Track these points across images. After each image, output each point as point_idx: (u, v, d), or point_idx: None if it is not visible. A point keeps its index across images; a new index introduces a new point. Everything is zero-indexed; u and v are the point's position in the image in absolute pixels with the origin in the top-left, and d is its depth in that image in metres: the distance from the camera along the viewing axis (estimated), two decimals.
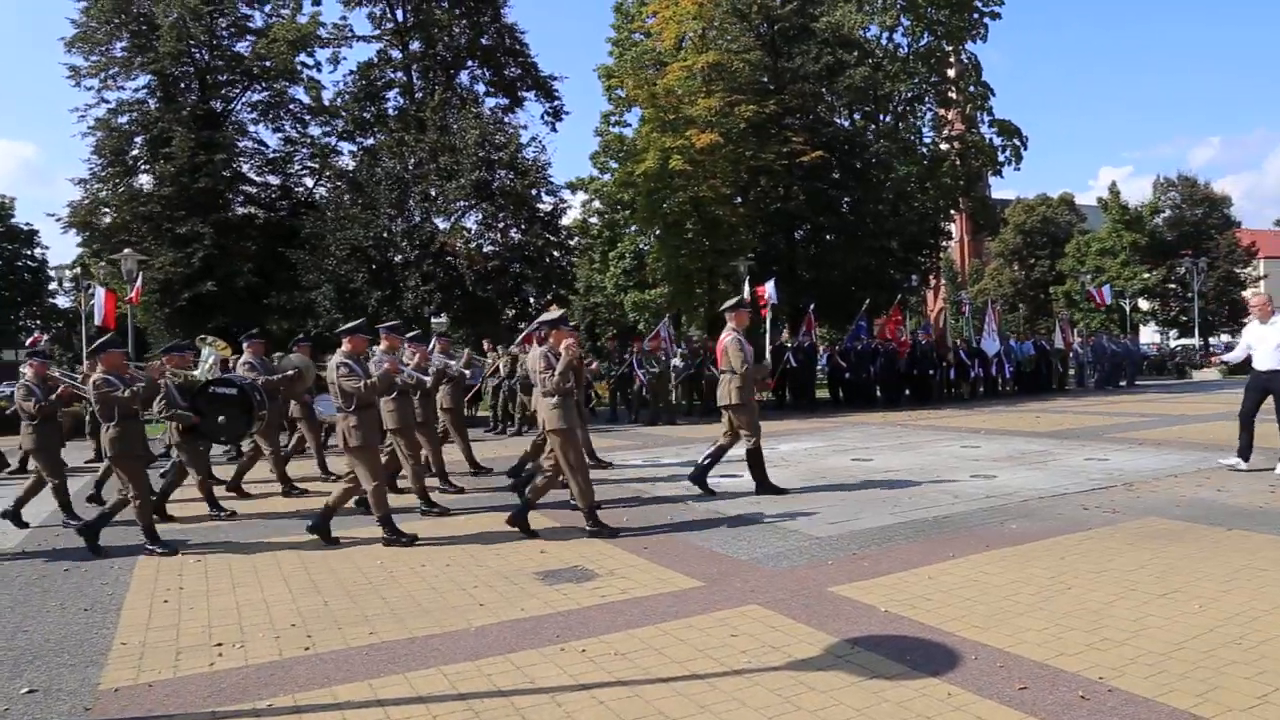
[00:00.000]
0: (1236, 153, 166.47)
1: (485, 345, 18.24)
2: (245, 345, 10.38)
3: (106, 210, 23.50)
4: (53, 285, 36.25)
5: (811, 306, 21.98)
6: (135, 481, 7.36)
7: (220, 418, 8.96)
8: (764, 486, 8.81)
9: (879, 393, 21.81)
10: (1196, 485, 8.48)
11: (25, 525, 8.77)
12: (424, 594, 5.73)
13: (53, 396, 8.81)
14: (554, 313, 8.03)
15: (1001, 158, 34.95)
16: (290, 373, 10.61)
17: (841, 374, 21.73)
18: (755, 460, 8.84)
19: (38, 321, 38.82)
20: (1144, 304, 45.94)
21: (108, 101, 23.66)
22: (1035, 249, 54.92)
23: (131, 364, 9.14)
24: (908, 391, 21.84)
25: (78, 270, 27.57)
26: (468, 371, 11.29)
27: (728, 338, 8.91)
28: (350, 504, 8.14)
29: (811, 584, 5.53)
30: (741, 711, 3.67)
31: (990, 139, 34.81)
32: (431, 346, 11.02)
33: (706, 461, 8.99)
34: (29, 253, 38.28)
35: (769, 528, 7.25)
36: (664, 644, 4.55)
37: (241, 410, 9.08)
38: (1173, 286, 44.38)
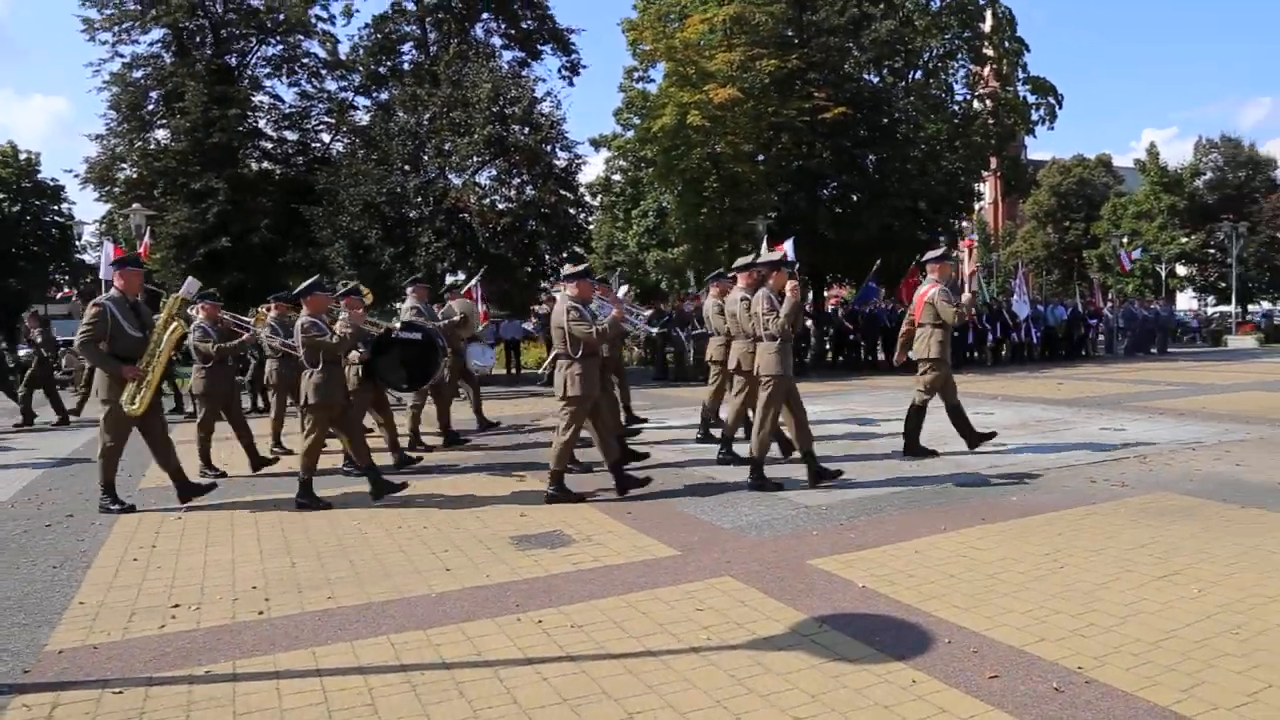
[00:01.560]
0: None
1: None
2: (410, 291, 10.19)
3: (123, 166, 23.44)
4: (80, 241, 36.62)
5: (795, 267, 21.42)
6: (320, 432, 7.20)
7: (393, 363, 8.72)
8: (913, 449, 8.49)
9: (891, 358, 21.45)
10: (1215, 459, 8.12)
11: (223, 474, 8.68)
12: (392, 557, 5.57)
13: (233, 342, 8.91)
14: (776, 253, 7.75)
15: (1035, 116, 33.98)
16: (456, 319, 10.34)
17: (846, 336, 21.27)
18: (916, 420, 8.52)
19: (66, 276, 39.10)
20: (1181, 269, 44.82)
21: (122, 56, 23.49)
22: (1070, 212, 53.64)
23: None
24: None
25: (99, 225, 27.75)
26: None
27: (934, 289, 8.43)
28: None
29: (792, 556, 5.29)
30: (689, 694, 3.45)
31: (1024, 97, 33.85)
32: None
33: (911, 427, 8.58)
34: (56, 208, 38.42)
35: (759, 495, 7.00)
36: (625, 617, 4.34)
37: (422, 357, 8.81)
38: (1212, 251, 43.20)
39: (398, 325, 9.03)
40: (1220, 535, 5.49)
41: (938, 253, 8.94)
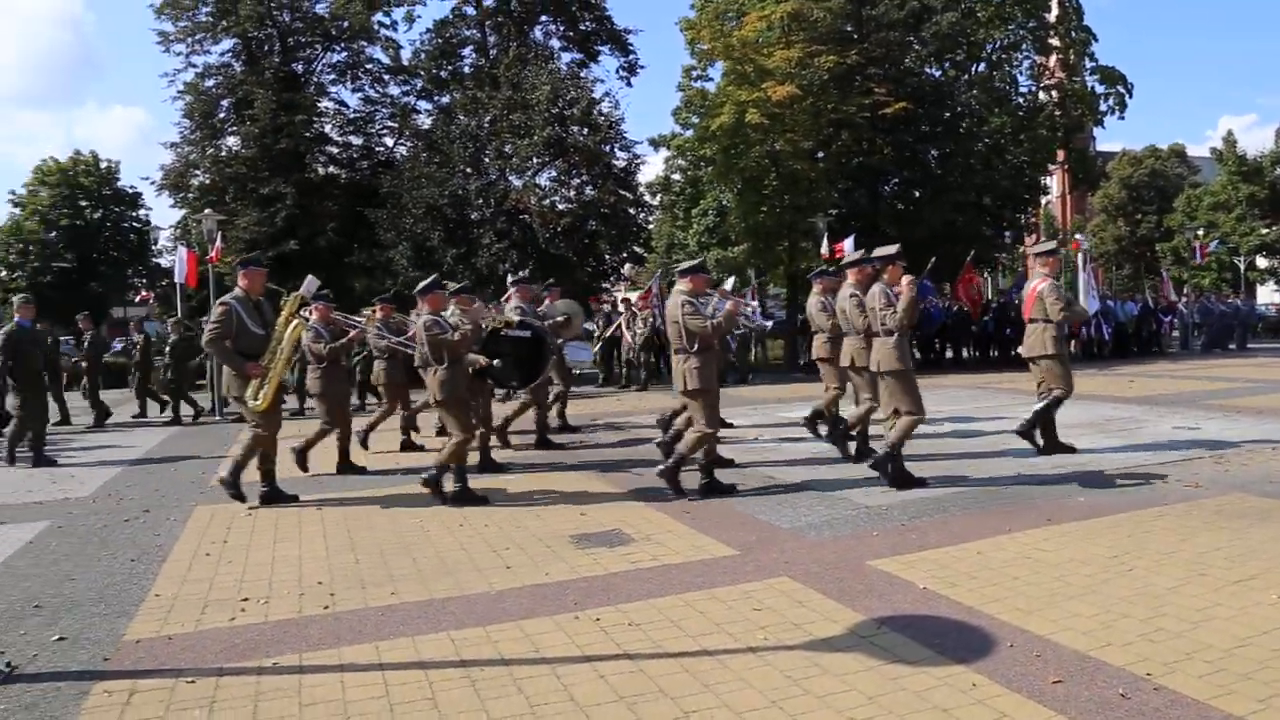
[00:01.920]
0: None
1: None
2: (514, 291, 10.17)
3: (196, 172, 24.18)
4: (156, 246, 37.80)
5: (752, 276, 21.12)
6: (463, 424, 7.28)
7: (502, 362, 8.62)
8: (1053, 445, 8.36)
9: (947, 354, 21.03)
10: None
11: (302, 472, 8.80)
12: (454, 555, 5.65)
13: (342, 340, 9.08)
14: (890, 248, 7.81)
15: (1103, 107, 33.11)
16: (560, 319, 10.41)
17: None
18: (1048, 415, 8.41)
19: (143, 280, 40.36)
20: (1261, 262, 43.17)
21: (195, 66, 24.26)
22: (1141, 204, 52.05)
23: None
24: (986, 353, 20.95)
25: (174, 230, 28.64)
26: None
27: (1044, 284, 8.29)
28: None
29: (851, 556, 5.25)
30: (744, 693, 3.45)
31: (1092, 87, 32.98)
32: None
33: (1032, 419, 8.39)
34: (133, 214, 39.72)
35: (820, 495, 6.96)
36: (682, 616, 4.35)
37: (530, 354, 8.91)
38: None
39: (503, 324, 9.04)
40: None
41: (1047, 247, 8.51)
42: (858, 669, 3.64)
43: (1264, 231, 40.20)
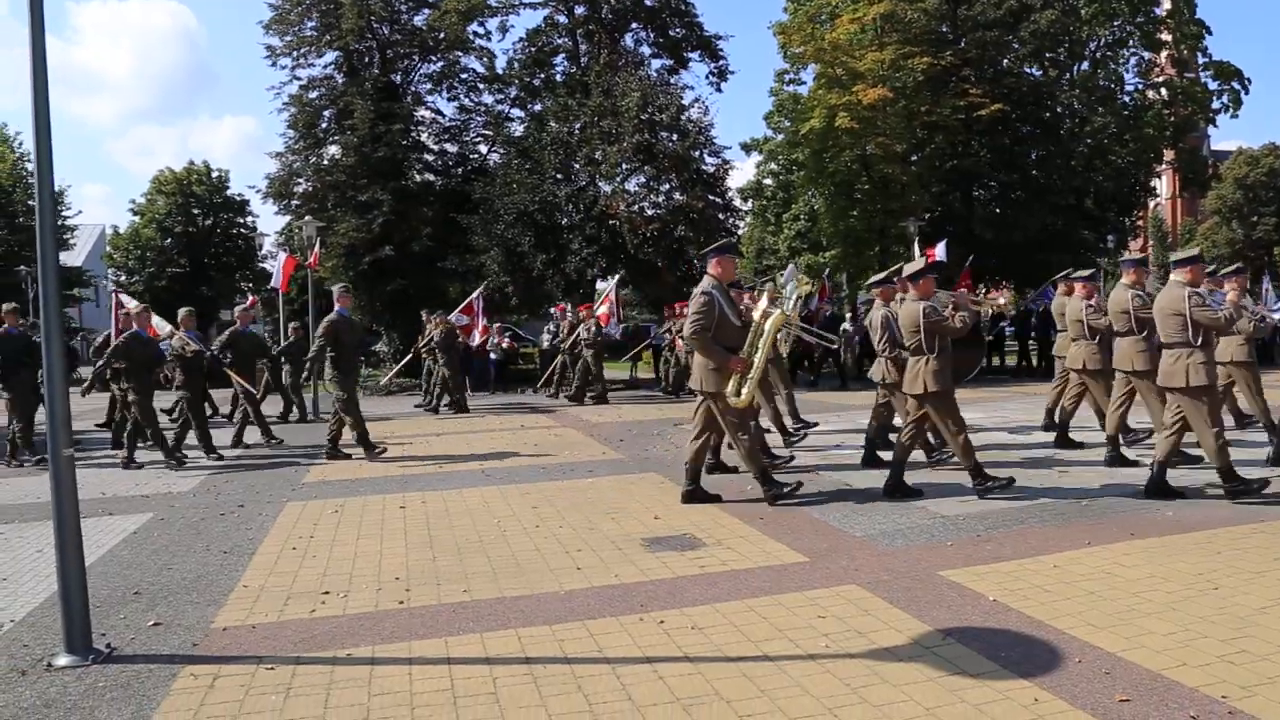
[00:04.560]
0: None
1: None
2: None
3: (299, 180, 25.13)
4: (261, 251, 39.49)
5: (826, 272, 20.58)
6: (955, 417, 7.08)
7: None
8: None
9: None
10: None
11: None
12: (527, 555, 5.78)
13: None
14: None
15: (1216, 104, 31.66)
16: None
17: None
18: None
19: (250, 284, 42.18)
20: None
21: (299, 78, 25.19)
22: (1259, 205, 49.55)
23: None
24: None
25: (279, 236, 29.84)
26: None
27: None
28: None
29: (922, 566, 5.18)
30: (801, 700, 3.45)
31: (1205, 83, 31.56)
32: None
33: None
34: (241, 221, 41.62)
35: (895, 503, 6.87)
36: (746, 621, 4.37)
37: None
38: None
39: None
40: None
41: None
42: (918, 679, 3.61)
43: None
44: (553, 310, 20.60)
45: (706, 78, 25.31)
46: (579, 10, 24.86)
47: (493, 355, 20.44)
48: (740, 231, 28.21)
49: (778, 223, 39.01)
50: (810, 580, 5.01)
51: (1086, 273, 9.67)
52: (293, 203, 25.41)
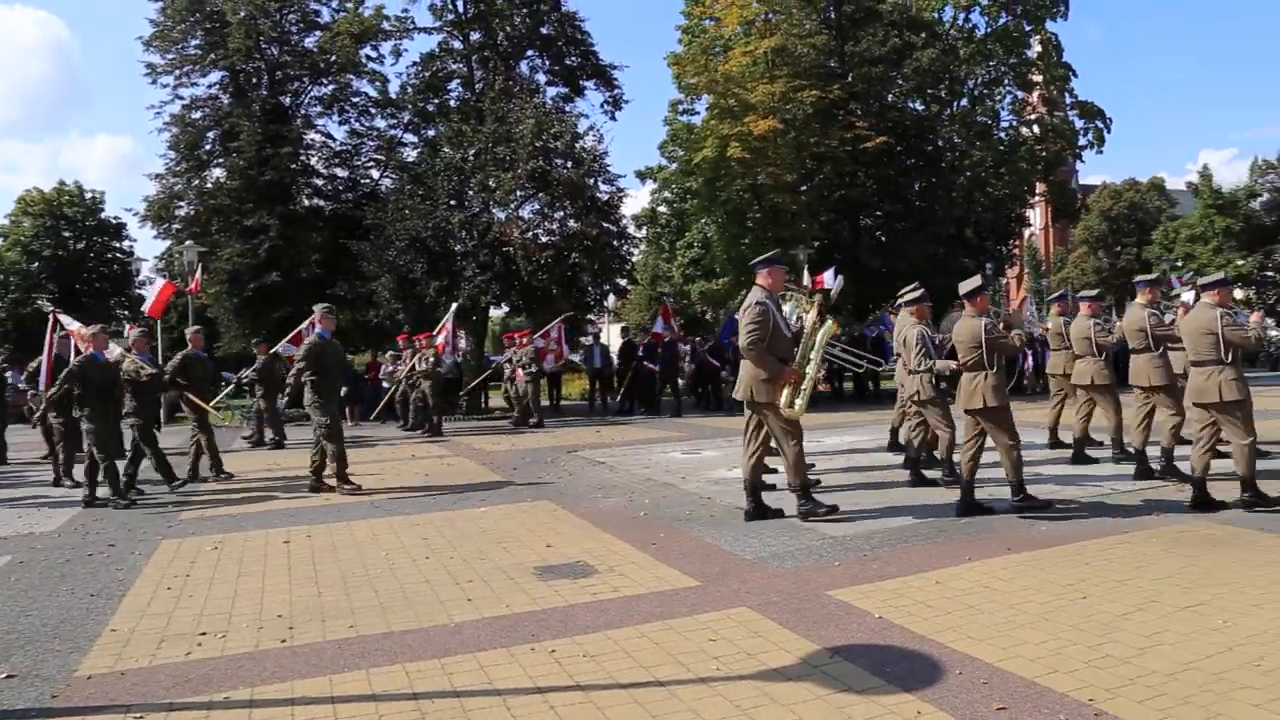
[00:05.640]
0: None
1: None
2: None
3: (181, 203, 24.22)
4: (139, 277, 37.87)
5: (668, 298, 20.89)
6: (1011, 431, 7.11)
7: None
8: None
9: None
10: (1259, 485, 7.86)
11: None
12: (416, 587, 5.65)
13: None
14: (1215, 275, 8.03)
15: (1083, 141, 33.60)
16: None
17: (716, 373, 19.95)
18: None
19: (125, 311, 40.34)
20: (1238, 293, 43.66)
21: (182, 98, 24.36)
22: (1122, 236, 52.71)
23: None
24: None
25: (158, 261, 28.67)
26: None
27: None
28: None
29: (810, 587, 5.27)
30: None
31: (1071, 121, 33.49)
32: None
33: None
34: (117, 245, 39.83)
35: (786, 525, 6.99)
36: (638, 647, 4.36)
37: None
38: (1270, 274, 42.02)
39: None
40: (1253, 566, 5.35)
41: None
42: (807, 698, 3.66)
43: (1239, 263, 40.68)
44: (398, 340, 20.07)
45: (601, 106, 25.45)
46: (474, 36, 24.72)
47: (385, 384, 20.02)
48: (634, 259, 28.37)
49: (672, 250, 39.53)
50: (701, 604, 5.04)
51: (1093, 292, 10.34)
52: (173, 226, 24.48)
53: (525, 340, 17.80)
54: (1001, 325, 7.47)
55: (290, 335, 16.20)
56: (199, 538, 7.38)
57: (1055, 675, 3.78)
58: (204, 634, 4.86)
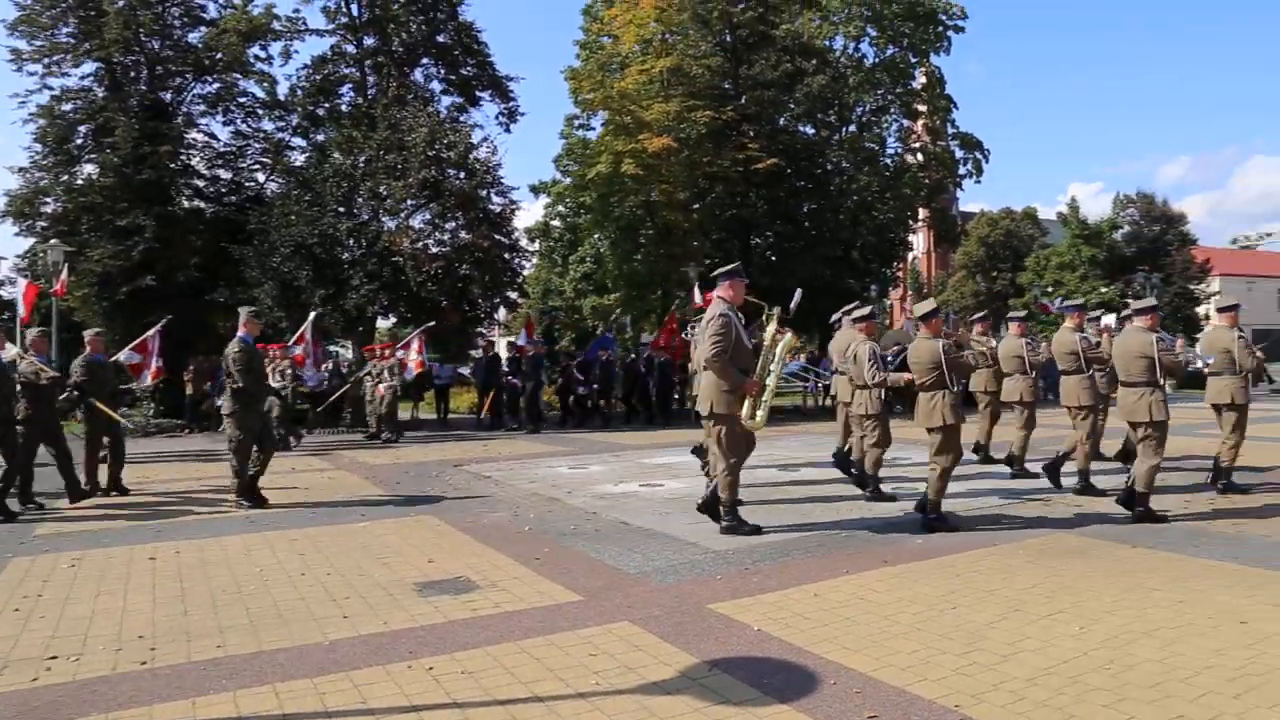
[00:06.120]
0: (1206, 171, 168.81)
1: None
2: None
3: (47, 200, 22.86)
4: None
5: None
6: (958, 451, 7.37)
7: None
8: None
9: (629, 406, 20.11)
10: (1111, 501, 8.32)
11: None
12: (291, 604, 5.45)
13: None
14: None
15: (963, 170, 35.18)
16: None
17: (577, 387, 19.59)
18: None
19: None
20: (1104, 318, 46.31)
21: (51, 88, 22.98)
22: (998, 261, 55.28)
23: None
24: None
25: (21, 261, 26.95)
26: None
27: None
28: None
29: (692, 600, 5.31)
30: None
31: (953, 151, 35.02)
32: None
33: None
34: None
35: (670, 540, 7.03)
36: (517, 663, 4.31)
37: None
38: (1130, 301, 44.74)
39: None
40: (1108, 575, 5.66)
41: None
42: (684, 711, 3.68)
43: (1104, 290, 43.10)
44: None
45: (497, 118, 25.29)
46: (368, 41, 24.26)
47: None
48: (526, 272, 28.18)
49: (564, 264, 39.52)
50: (583, 619, 5.01)
51: (1023, 313, 10.83)
52: (38, 224, 23.04)
53: (387, 353, 17.40)
54: (954, 345, 7.72)
55: (134, 343, 15.20)
56: (54, 554, 6.95)
57: (924, 683, 3.91)
58: (54, 658, 4.57)
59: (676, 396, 19.93)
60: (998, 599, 5.17)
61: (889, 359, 8.82)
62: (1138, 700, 3.67)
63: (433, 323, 18.81)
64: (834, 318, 10.36)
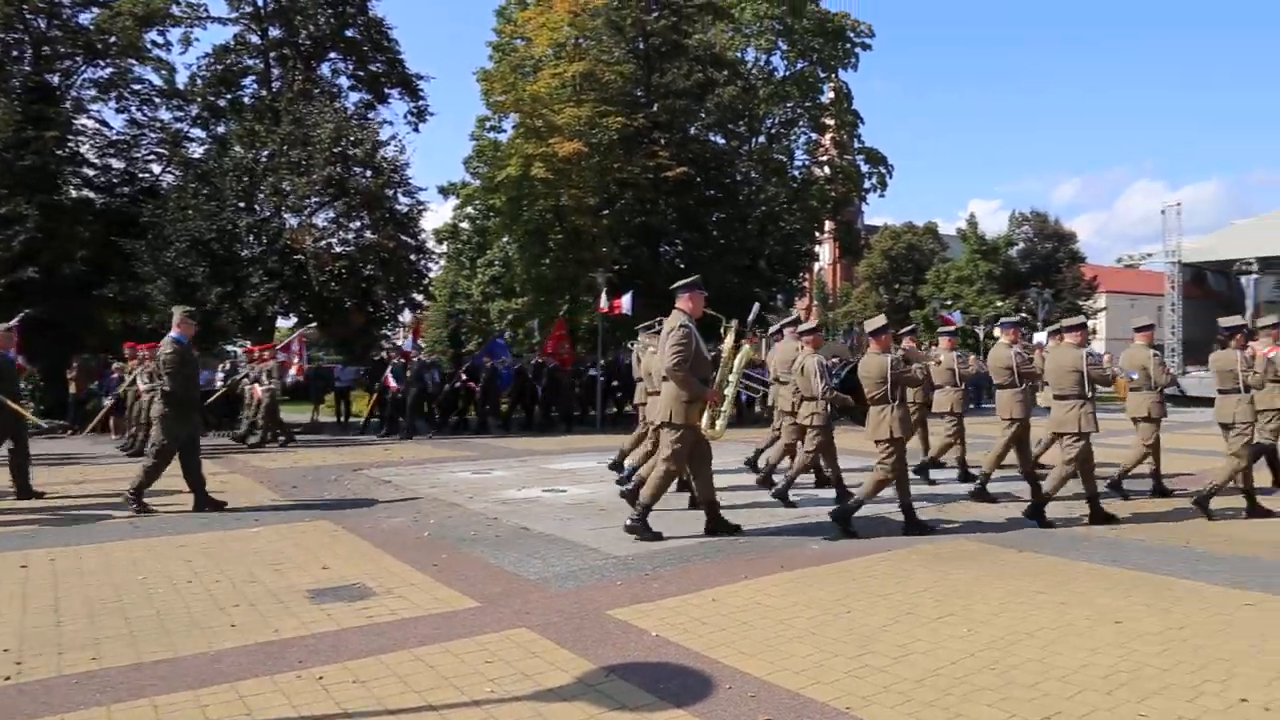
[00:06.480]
0: (1095, 191, 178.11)
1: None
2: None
3: None
4: None
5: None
6: (904, 465, 7.56)
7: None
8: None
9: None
10: (1001, 507, 8.66)
11: None
12: (175, 614, 5.23)
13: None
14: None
15: (868, 184, 36.09)
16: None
17: (472, 394, 19.44)
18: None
19: None
20: (997, 331, 48.07)
21: None
22: (900, 274, 56.93)
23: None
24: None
25: None
26: None
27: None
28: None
29: (591, 606, 5.29)
30: None
31: (858, 165, 35.91)
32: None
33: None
34: None
35: (571, 545, 7.00)
36: (410, 671, 4.22)
37: None
38: (1024, 315, 46.61)
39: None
40: (996, 578, 5.86)
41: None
42: (579, 717, 3.66)
43: (999, 304, 44.79)
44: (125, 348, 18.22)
45: (405, 117, 24.93)
46: (274, 32, 23.58)
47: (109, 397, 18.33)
48: (432, 274, 27.75)
49: (472, 267, 39.12)
50: (480, 625, 4.95)
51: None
52: None
53: (267, 355, 16.91)
54: (903, 360, 7.89)
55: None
56: None
57: (818, 686, 3.97)
58: None
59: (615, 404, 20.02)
60: (891, 603, 5.30)
61: (833, 371, 9.12)
62: (1019, 699, 3.81)
63: (314, 324, 18.29)
64: (773, 329, 10.63)
